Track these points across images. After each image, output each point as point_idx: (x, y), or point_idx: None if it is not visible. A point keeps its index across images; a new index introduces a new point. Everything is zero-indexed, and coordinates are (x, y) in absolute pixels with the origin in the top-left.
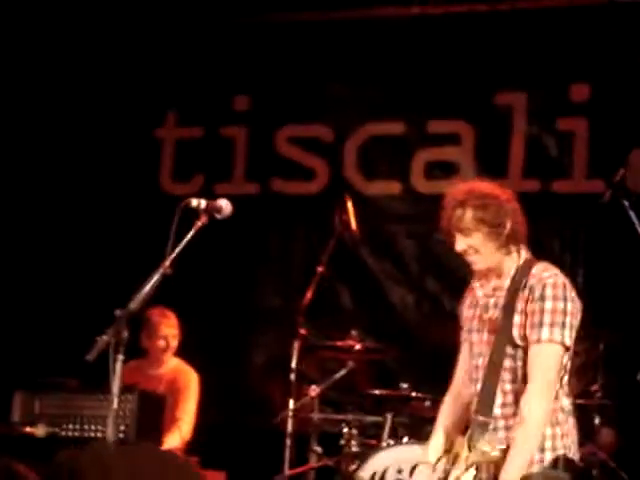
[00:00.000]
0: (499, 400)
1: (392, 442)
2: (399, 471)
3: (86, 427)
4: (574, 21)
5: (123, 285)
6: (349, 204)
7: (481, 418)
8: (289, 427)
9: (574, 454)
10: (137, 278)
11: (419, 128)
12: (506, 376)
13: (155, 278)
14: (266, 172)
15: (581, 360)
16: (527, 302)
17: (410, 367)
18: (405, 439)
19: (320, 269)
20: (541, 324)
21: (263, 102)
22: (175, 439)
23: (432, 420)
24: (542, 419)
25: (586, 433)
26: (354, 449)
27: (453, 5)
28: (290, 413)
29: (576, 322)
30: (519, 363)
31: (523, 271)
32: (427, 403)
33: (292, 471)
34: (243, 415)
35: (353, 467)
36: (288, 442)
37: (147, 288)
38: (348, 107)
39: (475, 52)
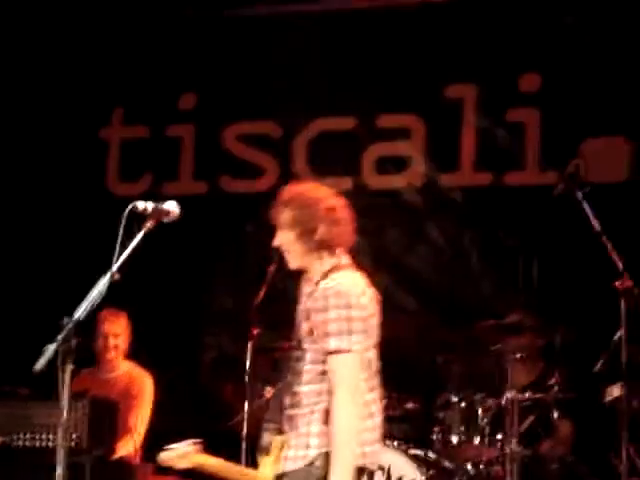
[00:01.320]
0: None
1: None
2: None
3: (37, 436)
4: (520, 11)
5: (72, 290)
6: None
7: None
8: (244, 429)
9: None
10: (86, 283)
11: (369, 123)
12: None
13: (103, 284)
14: (214, 170)
15: (525, 353)
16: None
17: None
18: None
19: (271, 268)
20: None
21: (209, 100)
22: (129, 446)
23: None
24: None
25: (544, 427)
26: None
27: None
28: (245, 415)
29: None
30: None
31: (322, 278)
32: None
33: None
34: (197, 418)
35: None
36: (244, 445)
37: (94, 295)
38: (296, 103)
39: (424, 45)
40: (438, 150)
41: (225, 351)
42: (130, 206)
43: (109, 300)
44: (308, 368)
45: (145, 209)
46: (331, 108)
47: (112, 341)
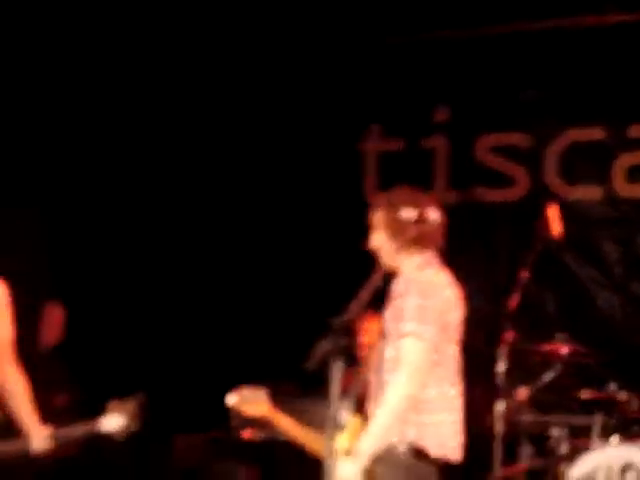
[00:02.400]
0: None
1: (601, 443)
2: (608, 472)
3: None
4: None
5: (332, 293)
6: (553, 210)
7: None
8: (499, 429)
9: None
10: (345, 286)
11: (620, 133)
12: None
13: (370, 286)
14: (467, 180)
15: None
16: None
17: (616, 369)
18: (614, 440)
19: (524, 274)
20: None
21: (462, 112)
22: None
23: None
24: None
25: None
26: (563, 451)
27: None
28: (499, 415)
29: None
30: None
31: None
32: (635, 404)
33: (505, 472)
34: None
35: (563, 468)
36: (498, 444)
37: (362, 296)
38: (546, 114)
39: None
40: None
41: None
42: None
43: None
44: (389, 356)
45: (408, 216)
46: (581, 118)
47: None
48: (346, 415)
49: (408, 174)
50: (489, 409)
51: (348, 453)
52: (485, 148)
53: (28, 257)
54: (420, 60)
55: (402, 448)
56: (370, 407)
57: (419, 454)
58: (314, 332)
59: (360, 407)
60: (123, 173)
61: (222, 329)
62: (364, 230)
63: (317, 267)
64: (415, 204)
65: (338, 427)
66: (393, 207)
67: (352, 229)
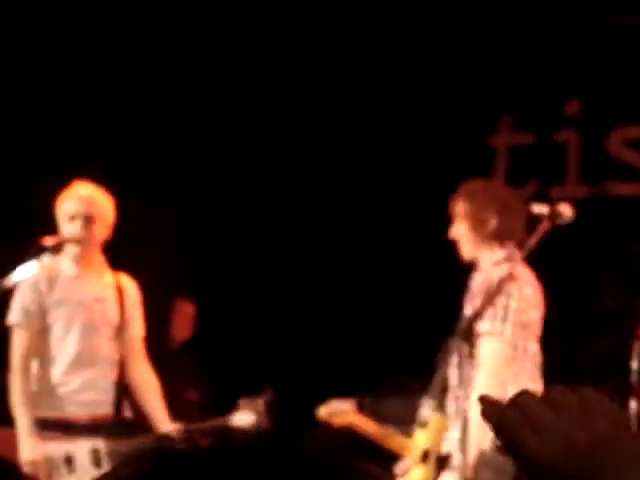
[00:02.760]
0: None
1: None
2: None
3: None
4: None
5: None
6: None
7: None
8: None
9: None
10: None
11: None
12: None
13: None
14: (600, 175)
15: None
16: None
17: None
18: None
19: None
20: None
21: (594, 105)
22: None
23: None
24: None
25: None
26: None
27: None
28: (632, 413)
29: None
30: None
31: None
32: None
33: None
34: None
35: None
36: None
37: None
38: None
39: None
40: None
41: (609, 351)
42: (526, 209)
43: None
44: (470, 353)
45: (541, 211)
46: None
47: None
48: (428, 412)
49: (538, 168)
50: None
51: (425, 455)
52: (618, 141)
53: (159, 252)
54: (552, 51)
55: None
56: (449, 405)
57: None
58: (441, 328)
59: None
60: (265, 175)
61: (352, 325)
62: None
63: (446, 261)
64: (496, 196)
65: (421, 425)
66: (474, 198)
67: None
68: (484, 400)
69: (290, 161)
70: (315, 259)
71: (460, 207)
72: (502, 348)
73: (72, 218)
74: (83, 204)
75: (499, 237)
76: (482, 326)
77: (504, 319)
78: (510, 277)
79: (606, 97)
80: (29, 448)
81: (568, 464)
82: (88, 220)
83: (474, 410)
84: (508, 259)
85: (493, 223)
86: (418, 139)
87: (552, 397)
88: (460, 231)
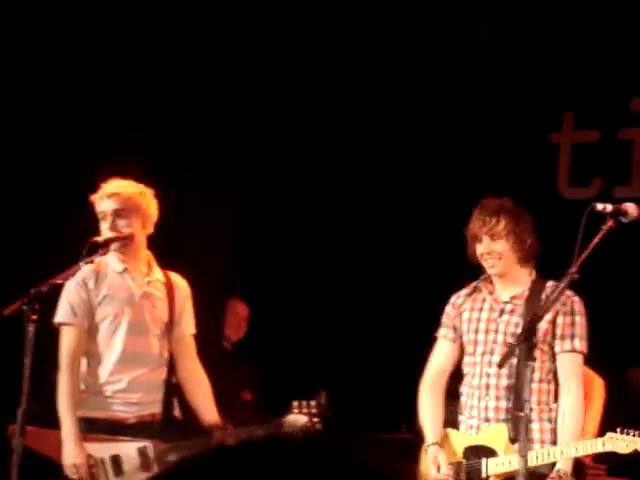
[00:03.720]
0: (534, 397)
1: None
2: None
3: None
4: None
5: None
6: None
7: (520, 413)
8: None
9: None
10: None
11: None
12: (535, 375)
13: (563, 283)
14: None
15: None
16: (557, 314)
17: None
18: None
19: None
20: (573, 336)
21: None
22: None
23: None
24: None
25: None
26: None
27: None
28: None
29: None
30: (540, 364)
31: (538, 285)
32: None
33: None
34: None
35: None
36: None
37: (556, 293)
38: None
39: None
40: None
41: None
42: (590, 206)
43: None
44: (538, 366)
45: (604, 209)
46: None
47: None
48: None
49: (603, 167)
50: None
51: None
52: None
53: (213, 252)
54: (617, 47)
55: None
56: (499, 408)
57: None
58: None
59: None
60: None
61: (400, 324)
62: (558, 223)
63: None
64: (529, 216)
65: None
66: (517, 217)
67: (545, 223)
68: None
69: (340, 164)
70: (366, 259)
71: (502, 225)
72: (583, 364)
73: (104, 216)
74: (111, 201)
75: (534, 256)
76: (580, 344)
77: (586, 338)
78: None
79: None
80: (72, 451)
81: None
82: (119, 216)
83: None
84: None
85: (530, 242)
86: (481, 136)
87: None
88: (500, 248)
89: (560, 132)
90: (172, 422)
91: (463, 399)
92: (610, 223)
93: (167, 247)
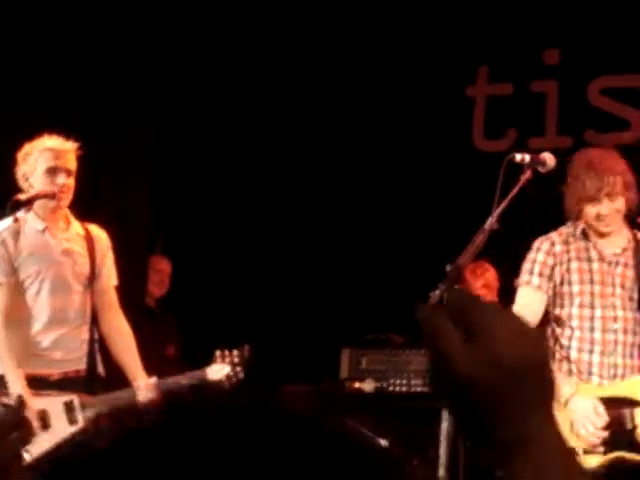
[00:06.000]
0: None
1: None
2: None
3: (413, 382)
4: None
5: (440, 241)
6: None
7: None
8: None
9: None
10: (455, 234)
11: None
12: (637, 329)
13: (482, 233)
14: (579, 125)
15: None
16: None
17: None
18: None
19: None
20: None
21: (573, 55)
22: None
23: None
24: None
25: None
26: None
27: None
28: None
29: None
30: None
31: (632, 237)
32: None
33: None
34: None
35: None
36: None
37: (475, 243)
38: None
39: None
40: None
41: None
42: (508, 157)
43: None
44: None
45: (523, 159)
46: None
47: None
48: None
49: (518, 119)
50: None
51: None
52: (597, 91)
53: (132, 209)
54: (530, 1)
55: None
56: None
57: None
58: (423, 283)
59: None
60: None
61: (332, 280)
62: (472, 175)
63: (426, 215)
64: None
65: None
66: (629, 171)
67: (461, 176)
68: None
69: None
70: (291, 212)
71: (620, 184)
72: None
73: (49, 171)
74: (60, 157)
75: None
76: None
77: None
78: None
79: (585, 46)
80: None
81: (493, 378)
82: (68, 174)
83: None
84: None
85: (631, 199)
86: (396, 90)
87: (489, 313)
88: (620, 206)
89: (475, 85)
90: (96, 378)
91: (574, 354)
92: (528, 174)
93: (88, 205)
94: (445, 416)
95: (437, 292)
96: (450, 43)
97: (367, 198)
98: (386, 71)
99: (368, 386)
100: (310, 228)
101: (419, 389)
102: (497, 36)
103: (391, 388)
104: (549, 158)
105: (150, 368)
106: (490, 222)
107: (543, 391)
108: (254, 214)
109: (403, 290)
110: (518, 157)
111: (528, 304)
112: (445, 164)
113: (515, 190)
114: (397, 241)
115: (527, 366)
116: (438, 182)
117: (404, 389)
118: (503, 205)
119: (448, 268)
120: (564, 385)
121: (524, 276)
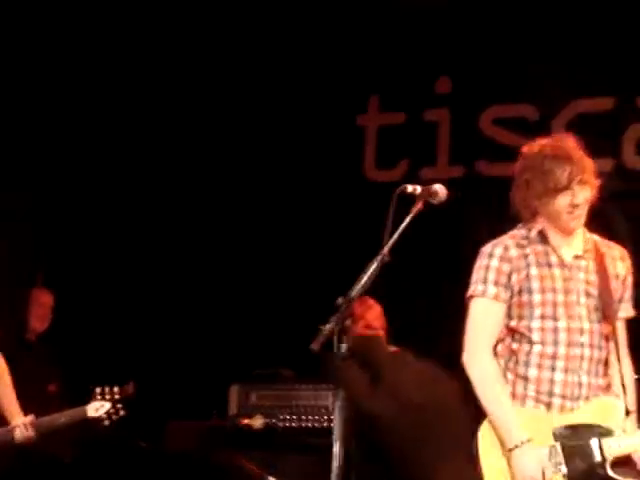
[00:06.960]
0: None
1: None
2: None
3: (303, 417)
4: None
5: (331, 274)
6: None
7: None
8: None
9: None
10: (346, 266)
11: (629, 103)
12: (602, 342)
13: (374, 266)
14: (471, 155)
15: None
16: (626, 271)
17: None
18: None
19: None
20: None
21: (465, 83)
22: None
23: None
24: None
25: None
26: None
27: None
28: None
29: None
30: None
31: (589, 238)
32: None
33: None
34: None
35: None
36: None
37: (366, 276)
38: (552, 85)
39: None
40: None
41: None
42: (399, 188)
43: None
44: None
45: (414, 190)
46: (589, 89)
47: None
48: None
49: (409, 149)
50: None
51: None
52: (489, 121)
53: (15, 243)
54: (421, 30)
55: None
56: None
57: None
58: (312, 317)
59: None
60: (119, 164)
61: (221, 315)
62: (364, 206)
63: (316, 247)
64: None
65: None
66: (589, 157)
67: (351, 206)
68: None
69: (148, 155)
70: (182, 246)
71: (589, 168)
72: None
73: None
74: None
75: None
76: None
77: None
78: None
79: (477, 75)
80: None
81: (395, 414)
82: None
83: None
84: None
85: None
86: (288, 118)
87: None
88: (588, 195)
89: (366, 114)
90: None
91: (533, 372)
92: (420, 205)
93: None
94: (336, 452)
95: (328, 326)
96: (341, 72)
97: (255, 230)
98: (276, 100)
99: (257, 422)
100: (196, 264)
101: (309, 424)
102: (388, 65)
103: (281, 424)
104: (440, 189)
105: (30, 405)
106: (382, 254)
107: (456, 440)
108: (140, 246)
109: (293, 324)
110: (409, 188)
111: (485, 318)
112: (336, 194)
113: (407, 222)
114: (286, 274)
115: (430, 404)
116: (329, 213)
117: (294, 424)
118: (395, 237)
119: (339, 301)
120: (515, 429)
121: (477, 286)
